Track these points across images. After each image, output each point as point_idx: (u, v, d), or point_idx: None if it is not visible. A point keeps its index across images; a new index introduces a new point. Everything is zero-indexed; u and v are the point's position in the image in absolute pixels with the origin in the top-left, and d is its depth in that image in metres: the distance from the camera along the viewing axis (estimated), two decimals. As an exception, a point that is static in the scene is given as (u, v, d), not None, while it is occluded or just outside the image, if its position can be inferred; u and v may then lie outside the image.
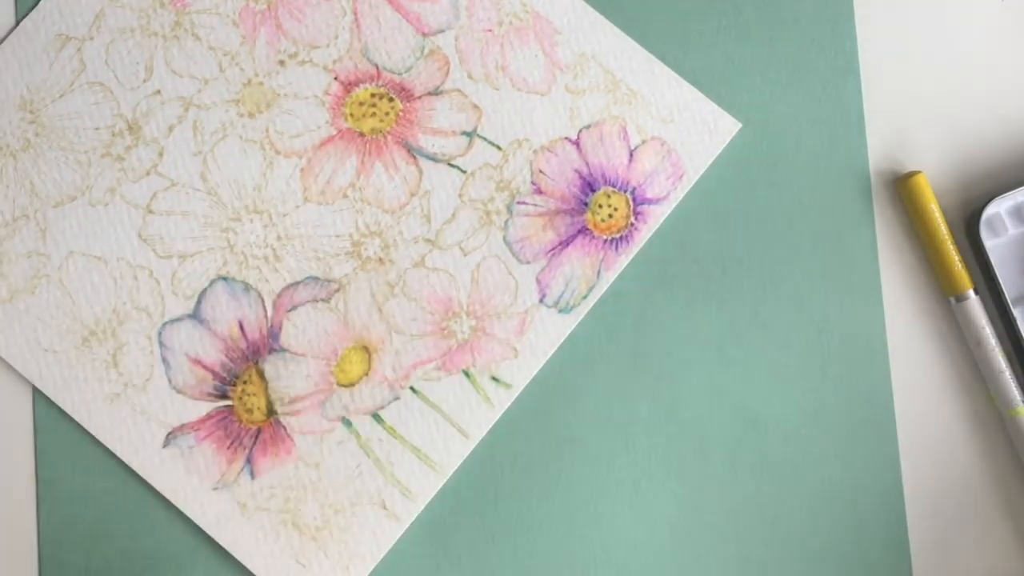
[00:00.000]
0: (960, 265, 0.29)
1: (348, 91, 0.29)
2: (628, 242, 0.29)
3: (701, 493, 0.28)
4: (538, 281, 0.29)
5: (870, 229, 0.30)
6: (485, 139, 0.29)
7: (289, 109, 0.29)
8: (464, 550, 0.28)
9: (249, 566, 0.27)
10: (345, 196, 0.28)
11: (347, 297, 0.28)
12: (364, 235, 0.28)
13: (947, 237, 0.29)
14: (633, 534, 0.28)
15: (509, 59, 0.29)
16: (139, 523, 0.27)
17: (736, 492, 0.29)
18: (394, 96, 0.29)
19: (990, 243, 0.29)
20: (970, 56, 0.30)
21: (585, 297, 0.29)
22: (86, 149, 0.28)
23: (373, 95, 0.29)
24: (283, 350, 0.28)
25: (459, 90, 0.29)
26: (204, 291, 0.28)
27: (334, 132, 0.29)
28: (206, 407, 0.28)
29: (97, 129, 0.28)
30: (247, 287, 0.28)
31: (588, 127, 0.29)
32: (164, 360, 0.28)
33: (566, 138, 0.29)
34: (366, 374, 0.28)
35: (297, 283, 0.28)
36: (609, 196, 0.29)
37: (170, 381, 0.28)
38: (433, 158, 0.29)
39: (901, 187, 0.30)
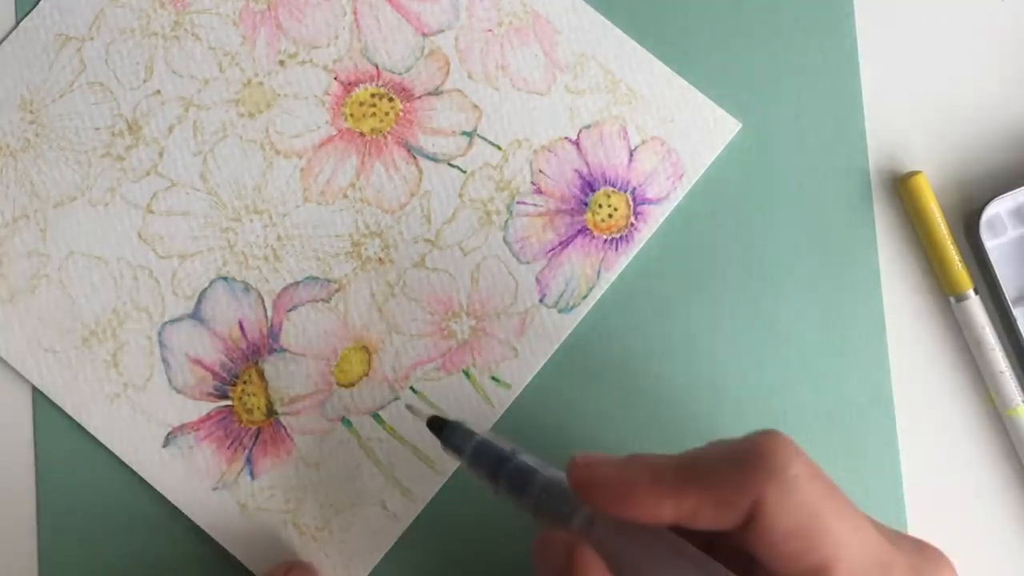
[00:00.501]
0: (960, 265, 0.30)
1: (348, 91, 0.30)
2: (628, 242, 0.30)
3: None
4: (538, 281, 0.29)
5: (870, 228, 0.30)
6: (485, 139, 0.30)
7: (289, 109, 0.29)
8: (464, 550, 0.29)
9: (249, 566, 0.28)
10: (345, 196, 0.29)
11: (347, 297, 0.29)
12: (364, 235, 0.29)
13: (947, 237, 0.30)
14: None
15: (509, 59, 0.30)
16: (139, 523, 0.28)
17: (736, 492, 0.29)
18: (394, 96, 0.30)
19: (990, 243, 0.29)
20: (970, 55, 0.31)
21: (585, 297, 0.30)
22: (86, 149, 0.29)
23: (373, 95, 0.30)
24: (283, 350, 0.29)
25: (459, 90, 0.30)
26: (204, 291, 0.29)
27: (334, 132, 0.30)
28: (206, 407, 0.29)
29: (97, 129, 0.29)
30: (247, 287, 0.29)
31: (588, 127, 0.30)
32: (164, 360, 0.29)
33: (566, 138, 0.30)
34: (366, 374, 0.29)
35: (297, 283, 0.29)
36: (609, 196, 0.30)
37: (170, 381, 0.29)
38: (433, 158, 0.30)
39: (901, 187, 0.31)
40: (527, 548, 0.22)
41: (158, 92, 0.29)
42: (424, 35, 0.30)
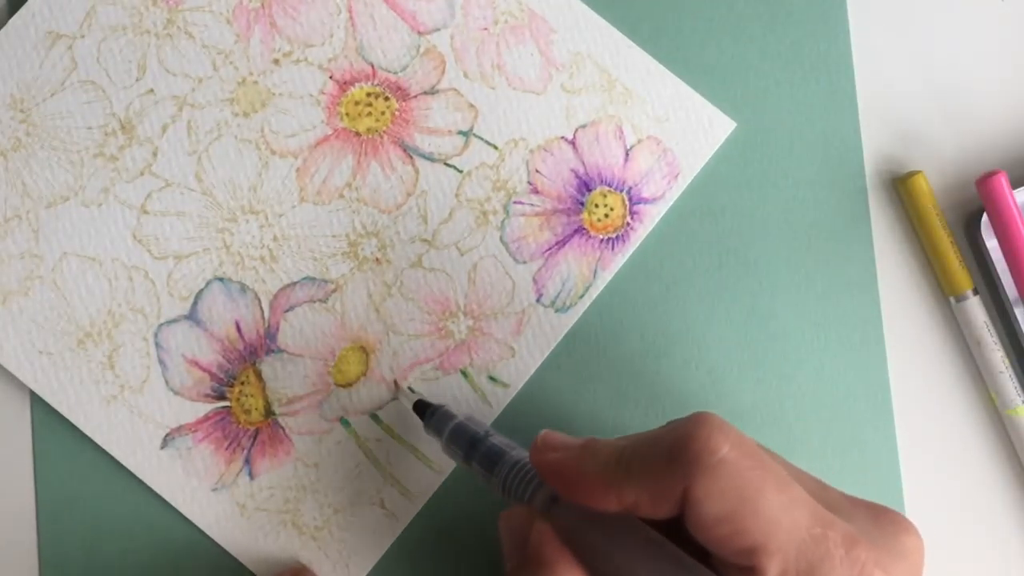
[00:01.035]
0: (960, 265, 0.31)
1: (343, 90, 0.31)
2: (624, 241, 0.31)
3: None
4: (535, 281, 0.31)
5: (866, 226, 0.32)
6: (481, 138, 0.31)
7: (284, 108, 0.31)
8: (463, 549, 0.31)
9: (249, 566, 0.30)
10: (341, 196, 0.31)
11: (344, 297, 0.31)
12: (361, 235, 0.31)
13: (947, 237, 0.31)
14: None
15: (505, 58, 0.31)
16: (138, 524, 0.30)
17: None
18: (390, 95, 0.31)
19: (990, 243, 0.31)
20: (970, 55, 0.32)
21: (582, 296, 0.31)
22: (78, 149, 0.30)
23: (369, 94, 0.31)
24: (280, 351, 0.30)
25: (455, 89, 0.31)
26: (200, 292, 0.30)
27: (330, 132, 0.31)
28: (204, 408, 0.30)
29: (89, 128, 0.30)
30: (244, 288, 0.31)
31: (584, 126, 0.31)
32: (161, 361, 0.30)
33: (562, 137, 0.31)
34: (364, 374, 0.30)
35: (294, 283, 0.30)
36: (605, 196, 0.31)
37: (167, 382, 0.30)
38: (429, 158, 0.31)
39: (901, 187, 0.32)
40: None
41: (151, 91, 0.31)
42: (420, 34, 0.31)
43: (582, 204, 0.31)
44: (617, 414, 0.31)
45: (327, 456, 0.30)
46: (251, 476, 0.30)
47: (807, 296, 0.31)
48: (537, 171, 0.31)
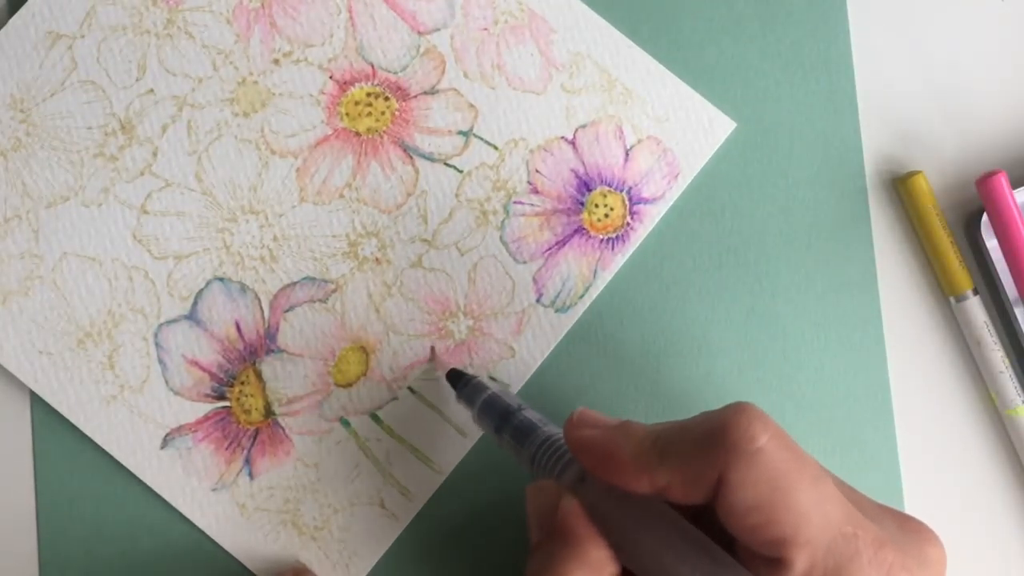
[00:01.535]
0: (960, 265, 0.32)
1: (343, 90, 0.31)
2: (624, 241, 0.32)
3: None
4: (535, 281, 0.31)
5: (866, 226, 0.32)
6: (481, 138, 0.32)
7: (284, 108, 0.31)
8: (463, 548, 0.31)
9: (249, 566, 0.30)
10: (341, 196, 0.31)
11: (344, 297, 0.31)
12: (361, 235, 0.31)
13: (947, 237, 0.31)
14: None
15: (505, 58, 0.32)
16: (139, 524, 0.30)
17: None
18: (390, 95, 0.32)
19: (990, 243, 0.31)
20: (970, 55, 0.33)
21: (582, 296, 0.31)
22: (78, 149, 0.31)
23: (369, 94, 0.32)
24: (280, 351, 0.31)
25: (455, 89, 0.32)
26: (200, 292, 0.31)
27: (330, 132, 0.31)
28: (204, 408, 0.30)
29: (89, 128, 0.31)
30: (244, 288, 0.31)
31: (584, 126, 0.32)
32: (161, 361, 0.31)
33: (562, 137, 0.32)
34: (364, 374, 0.31)
35: (294, 283, 0.31)
36: (605, 196, 0.32)
37: (167, 382, 0.30)
38: (429, 158, 0.32)
39: (900, 187, 0.32)
40: (525, 547, 0.24)
41: (151, 91, 0.31)
42: (420, 34, 0.32)
43: (582, 204, 0.32)
44: (617, 414, 0.31)
45: (327, 456, 0.31)
46: (251, 476, 0.30)
47: (807, 296, 0.32)
48: (537, 171, 0.31)
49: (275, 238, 0.31)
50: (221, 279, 0.31)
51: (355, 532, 0.30)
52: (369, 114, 0.31)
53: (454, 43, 0.32)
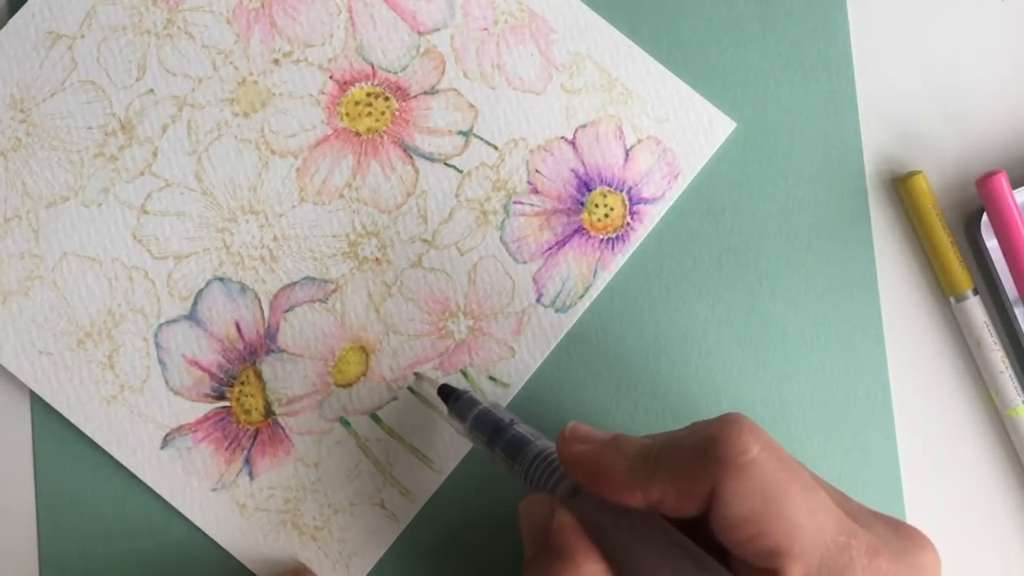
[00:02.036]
0: (960, 265, 0.32)
1: (343, 90, 0.32)
2: (624, 241, 0.32)
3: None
4: (535, 281, 0.32)
5: (866, 226, 0.32)
6: (481, 139, 0.32)
7: (284, 108, 0.32)
8: (463, 549, 0.31)
9: (249, 566, 0.30)
10: (341, 196, 0.32)
11: (344, 297, 0.31)
12: (361, 235, 0.32)
13: (947, 237, 0.32)
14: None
15: (505, 58, 0.32)
16: (138, 524, 0.30)
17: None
18: (390, 95, 0.32)
19: (990, 243, 0.32)
20: (970, 55, 0.33)
21: (582, 296, 0.32)
22: (78, 149, 0.31)
23: (369, 94, 0.32)
24: (280, 351, 0.31)
25: (455, 89, 0.32)
26: (200, 292, 0.31)
27: (330, 132, 0.32)
28: (204, 408, 0.31)
29: (89, 128, 0.31)
30: (244, 288, 0.31)
31: (584, 126, 0.32)
32: (161, 361, 0.31)
33: (562, 137, 0.32)
34: (364, 374, 0.31)
35: (294, 283, 0.31)
36: (605, 196, 0.32)
37: (167, 382, 0.31)
38: (429, 158, 0.32)
39: (900, 187, 0.33)
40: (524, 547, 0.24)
41: (151, 91, 0.31)
42: (420, 34, 0.32)
43: (582, 204, 0.32)
44: (617, 414, 0.31)
45: (327, 456, 0.31)
46: (251, 476, 0.31)
47: (807, 296, 0.32)
48: (537, 171, 0.32)
49: (275, 238, 0.31)
50: (221, 279, 0.31)
51: (355, 532, 0.31)
52: (369, 114, 0.31)
53: (454, 43, 0.32)
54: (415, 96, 0.32)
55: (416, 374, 0.30)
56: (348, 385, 0.31)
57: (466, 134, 0.32)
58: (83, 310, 0.31)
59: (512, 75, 0.32)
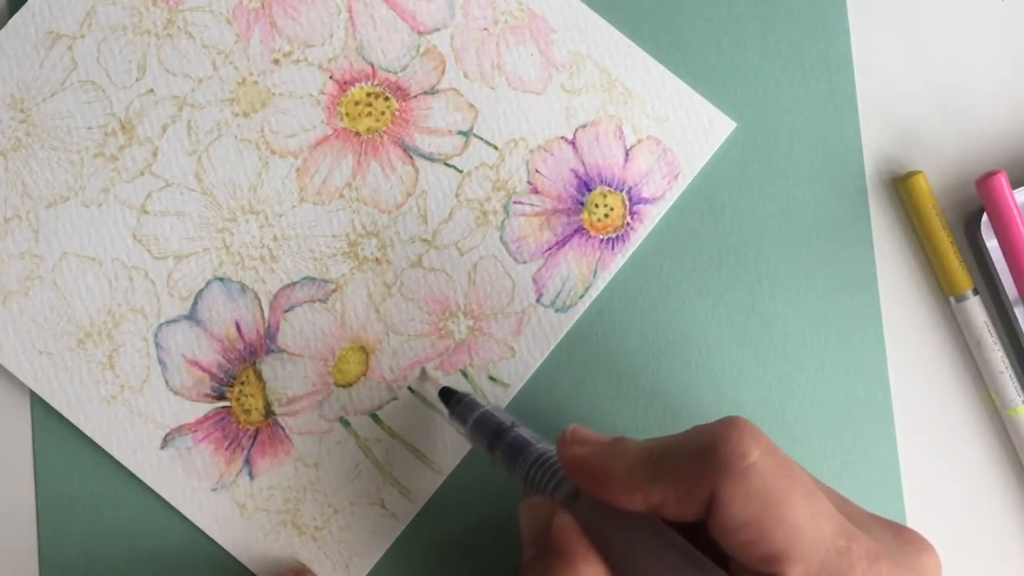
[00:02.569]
0: (960, 265, 0.32)
1: (343, 90, 0.32)
2: (624, 241, 0.32)
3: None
4: (535, 281, 0.32)
5: (866, 226, 0.32)
6: (481, 139, 0.32)
7: (284, 108, 0.32)
8: (463, 548, 0.31)
9: (249, 566, 0.30)
10: (341, 196, 0.32)
11: (344, 297, 0.31)
12: (361, 235, 0.32)
13: (947, 237, 0.32)
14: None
15: (505, 58, 0.32)
16: (138, 524, 0.30)
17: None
18: (390, 95, 0.32)
19: (990, 243, 0.32)
20: (970, 54, 0.33)
21: (582, 296, 0.32)
22: (78, 149, 0.31)
23: (369, 94, 0.32)
24: (280, 351, 0.31)
25: (455, 89, 0.32)
26: (200, 292, 0.31)
27: (330, 132, 0.32)
28: (204, 408, 0.31)
29: (89, 128, 0.31)
30: (244, 288, 0.31)
31: (584, 126, 0.32)
32: (161, 361, 0.31)
33: (562, 137, 0.32)
34: (364, 374, 0.31)
35: (294, 283, 0.31)
36: (605, 196, 0.32)
37: (167, 382, 0.31)
38: (429, 158, 0.32)
39: (900, 187, 0.33)
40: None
41: (151, 91, 0.31)
42: (420, 34, 0.32)
43: (582, 204, 0.32)
44: (617, 414, 0.31)
45: (327, 456, 0.31)
46: (251, 476, 0.31)
47: (807, 296, 0.32)
48: (537, 171, 0.32)
49: (275, 238, 0.31)
50: (221, 279, 0.31)
51: (355, 532, 0.31)
52: (369, 114, 0.32)
53: (454, 43, 0.32)
54: (415, 96, 0.32)
55: (423, 370, 0.30)
56: (348, 385, 0.31)
57: (466, 134, 0.32)
58: (83, 310, 0.31)
59: (512, 75, 0.32)
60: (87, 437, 0.30)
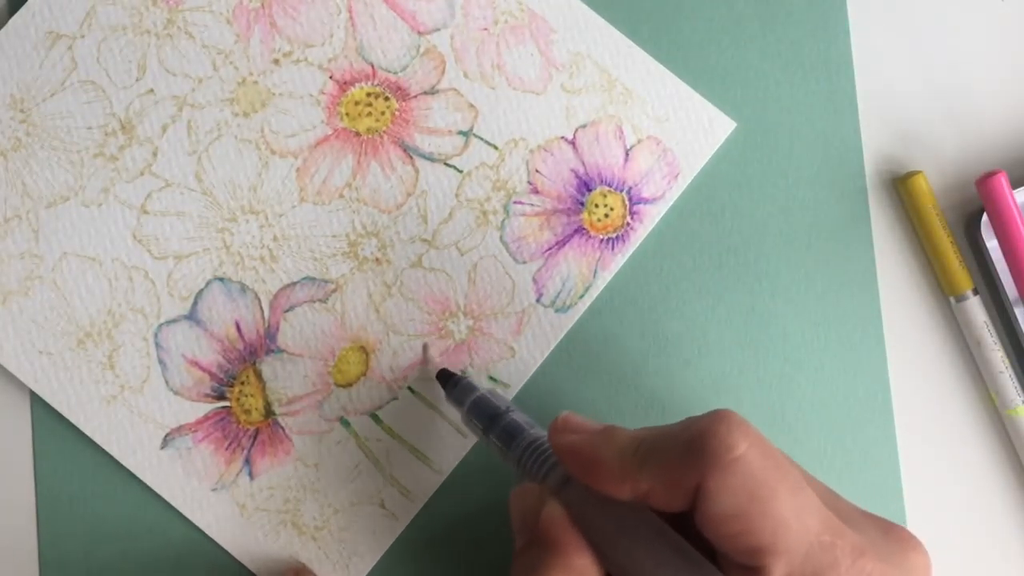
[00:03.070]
0: (960, 265, 0.32)
1: (343, 90, 0.32)
2: (624, 241, 0.32)
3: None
4: (535, 281, 0.32)
5: (866, 226, 0.32)
6: (481, 138, 0.32)
7: (284, 108, 0.32)
8: (463, 548, 0.31)
9: (249, 566, 0.30)
10: (341, 196, 0.32)
11: (344, 297, 0.31)
12: (361, 235, 0.32)
13: (947, 237, 0.32)
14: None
15: (505, 58, 0.32)
16: (139, 524, 0.30)
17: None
18: (390, 95, 0.32)
19: (990, 243, 0.32)
20: (970, 55, 0.33)
21: (582, 296, 0.32)
22: (78, 149, 0.31)
23: (369, 94, 0.32)
24: (280, 351, 0.31)
25: (455, 89, 0.32)
26: (200, 292, 0.31)
27: (330, 132, 0.32)
28: (204, 408, 0.31)
29: (89, 128, 0.31)
30: (244, 288, 0.31)
31: (584, 126, 0.32)
32: (161, 361, 0.31)
33: (562, 137, 0.32)
34: (364, 374, 0.31)
35: (294, 283, 0.31)
36: (605, 196, 0.32)
37: (167, 383, 0.31)
38: (429, 158, 0.32)
39: (901, 187, 0.33)
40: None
41: (151, 91, 0.31)
42: (420, 34, 0.32)
43: (582, 204, 0.32)
44: (617, 414, 0.31)
45: (327, 456, 0.31)
46: (251, 476, 0.31)
47: (807, 296, 0.32)
48: (537, 171, 0.32)
49: (275, 238, 0.31)
50: (221, 279, 0.31)
51: (355, 532, 0.31)
52: (369, 114, 0.32)
53: (454, 43, 0.32)
54: (415, 96, 0.32)
55: (425, 345, 0.30)
56: (348, 385, 0.31)
57: (466, 134, 0.32)
58: (83, 310, 0.31)
59: (512, 75, 0.32)
60: (87, 437, 0.31)
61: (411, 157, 0.32)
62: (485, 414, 0.27)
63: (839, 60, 0.32)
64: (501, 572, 0.31)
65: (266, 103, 0.31)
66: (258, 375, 0.31)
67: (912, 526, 0.32)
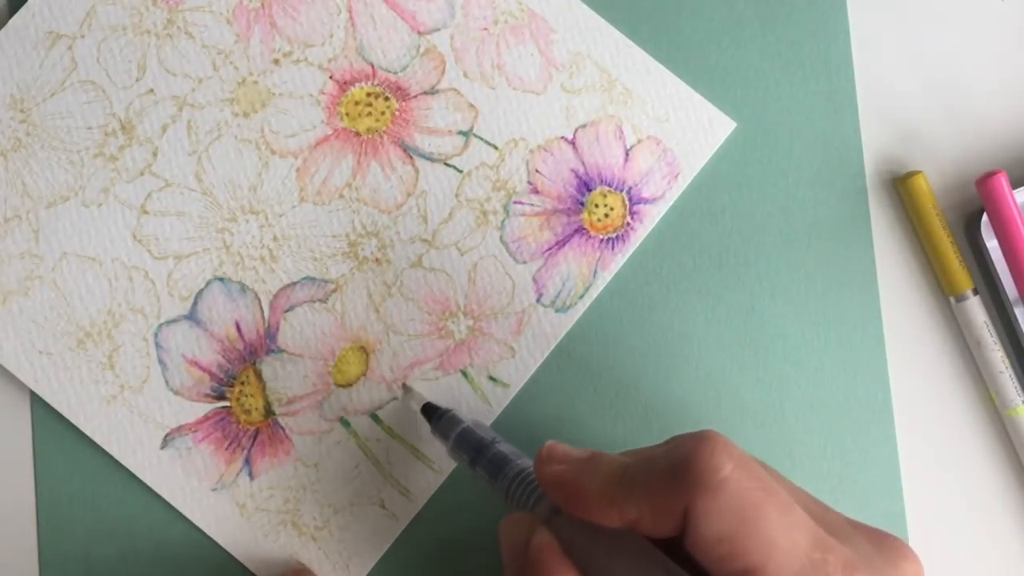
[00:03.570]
0: (960, 265, 0.32)
1: (343, 90, 0.32)
2: (624, 241, 0.32)
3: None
4: (535, 281, 0.32)
5: (866, 226, 0.32)
6: (481, 138, 0.32)
7: (284, 108, 0.32)
8: (462, 549, 0.31)
9: (249, 566, 0.30)
10: (341, 196, 0.32)
11: (344, 297, 0.31)
12: (361, 235, 0.32)
13: (947, 237, 0.32)
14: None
15: (505, 58, 0.32)
16: (138, 524, 0.30)
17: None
18: (390, 95, 0.32)
19: (990, 243, 0.32)
20: (970, 54, 0.33)
21: (582, 296, 0.32)
22: (78, 149, 0.31)
23: (369, 94, 0.32)
24: (280, 351, 0.31)
25: (455, 89, 0.32)
26: (200, 292, 0.31)
27: (330, 132, 0.32)
28: (204, 408, 0.31)
29: (89, 128, 0.31)
30: (244, 288, 0.31)
31: (584, 126, 0.32)
32: (161, 361, 0.31)
33: (562, 137, 0.32)
34: (364, 374, 0.31)
35: (294, 283, 0.31)
36: (605, 196, 0.32)
37: (167, 383, 0.31)
38: (429, 158, 0.32)
39: (901, 187, 0.33)
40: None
41: (151, 91, 0.31)
42: (420, 34, 0.32)
43: (582, 204, 0.32)
44: (617, 414, 0.31)
45: (327, 456, 0.31)
46: (251, 476, 0.31)
47: (807, 296, 0.32)
48: (537, 171, 0.32)
49: (275, 238, 0.31)
50: (221, 279, 0.31)
51: (355, 532, 0.31)
52: (369, 114, 0.32)
53: (454, 43, 0.32)
54: (415, 96, 0.32)
55: (405, 386, 0.30)
56: (348, 385, 0.31)
57: (466, 134, 0.32)
58: (83, 310, 0.31)
59: (512, 75, 0.32)
60: (87, 437, 0.31)
61: (411, 157, 0.32)
62: (471, 447, 0.27)
63: (839, 60, 0.32)
64: (501, 572, 0.31)
65: (266, 103, 0.31)
66: (258, 375, 0.31)
67: (912, 526, 0.32)
